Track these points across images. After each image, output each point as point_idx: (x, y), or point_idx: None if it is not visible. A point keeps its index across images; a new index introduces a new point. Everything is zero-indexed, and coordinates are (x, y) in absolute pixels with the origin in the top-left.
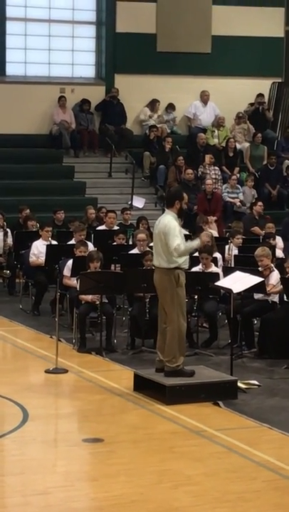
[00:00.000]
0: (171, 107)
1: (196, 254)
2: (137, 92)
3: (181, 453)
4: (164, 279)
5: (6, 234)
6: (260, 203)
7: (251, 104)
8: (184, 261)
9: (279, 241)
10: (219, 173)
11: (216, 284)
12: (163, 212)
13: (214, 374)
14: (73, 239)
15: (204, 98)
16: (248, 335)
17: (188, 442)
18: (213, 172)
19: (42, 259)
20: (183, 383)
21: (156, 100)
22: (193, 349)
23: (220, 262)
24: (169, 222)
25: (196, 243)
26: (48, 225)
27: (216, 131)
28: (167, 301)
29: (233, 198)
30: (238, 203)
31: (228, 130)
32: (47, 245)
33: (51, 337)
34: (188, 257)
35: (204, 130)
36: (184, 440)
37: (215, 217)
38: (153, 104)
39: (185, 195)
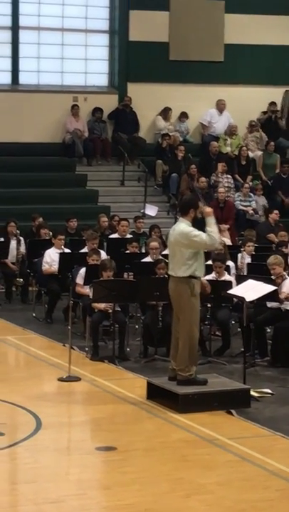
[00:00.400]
0: (184, 116)
1: (210, 262)
2: (149, 101)
3: (194, 461)
4: (180, 288)
5: (19, 242)
6: (276, 211)
7: (264, 113)
8: (199, 268)
9: None
10: (232, 182)
11: (229, 292)
12: (176, 221)
13: (227, 382)
14: (86, 247)
15: (220, 106)
16: (260, 343)
17: (201, 451)
18: (225, 180)
19: (55, 267)
20: (196, 392)
21: (169, 108)
22: (206, 357)
23: (233, 271)
24: (184, 228)
25: (210, 219)
26: (60, 233)
27: (229, 139)
28: (182, 310)
29: (245, 206)
30: (251, 211)
31: (240, 138)
32: (60, 253)
33: (64, 345)
34: (203, 264)
35: (217, 138)
36: (197, 449)
37: (227, 226)
38: (165, 113)
39: (200, 203)
